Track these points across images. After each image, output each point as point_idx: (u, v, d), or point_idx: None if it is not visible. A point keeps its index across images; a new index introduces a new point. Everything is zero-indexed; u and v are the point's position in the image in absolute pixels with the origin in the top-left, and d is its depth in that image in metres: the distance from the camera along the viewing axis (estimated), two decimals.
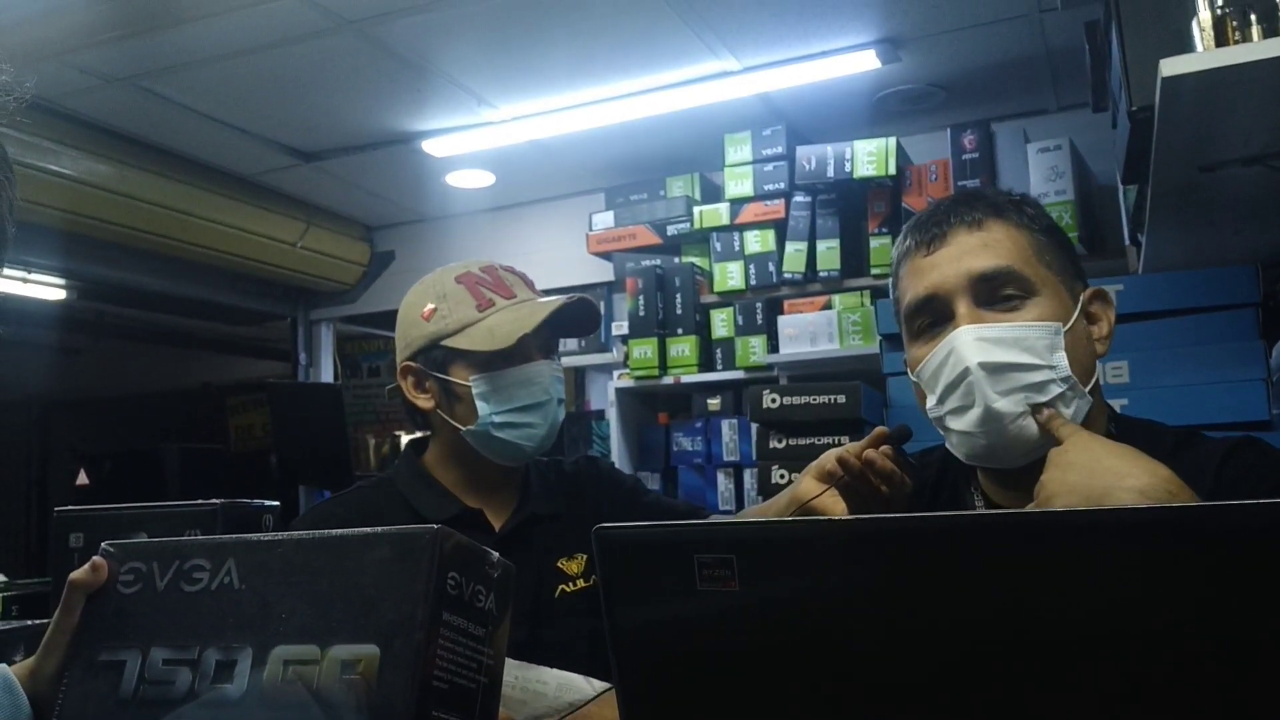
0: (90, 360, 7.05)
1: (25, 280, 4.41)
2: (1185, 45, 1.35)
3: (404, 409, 1.58)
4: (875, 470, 1.19)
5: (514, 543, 1.49)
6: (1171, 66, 1.28)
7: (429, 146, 3.80)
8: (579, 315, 1.55)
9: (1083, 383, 1.13)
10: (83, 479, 6.07)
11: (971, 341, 1.11)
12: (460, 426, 1.50)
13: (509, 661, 0.90)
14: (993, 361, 1.10)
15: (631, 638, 0.63)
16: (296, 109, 3.53)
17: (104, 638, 0.88)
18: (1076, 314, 1.15)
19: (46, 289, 4.76)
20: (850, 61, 3.19)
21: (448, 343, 1.49)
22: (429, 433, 1.61)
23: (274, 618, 0.83)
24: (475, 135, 3.71)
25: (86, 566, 0.90)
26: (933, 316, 1.17)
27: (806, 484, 1.22)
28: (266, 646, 0.81)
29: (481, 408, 1.48)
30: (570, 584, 1.53)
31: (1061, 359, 1.11)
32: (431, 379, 1.52)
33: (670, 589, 0.61)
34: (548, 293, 1.58)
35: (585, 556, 1.55)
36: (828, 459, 1.22)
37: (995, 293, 1.13)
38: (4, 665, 0.89)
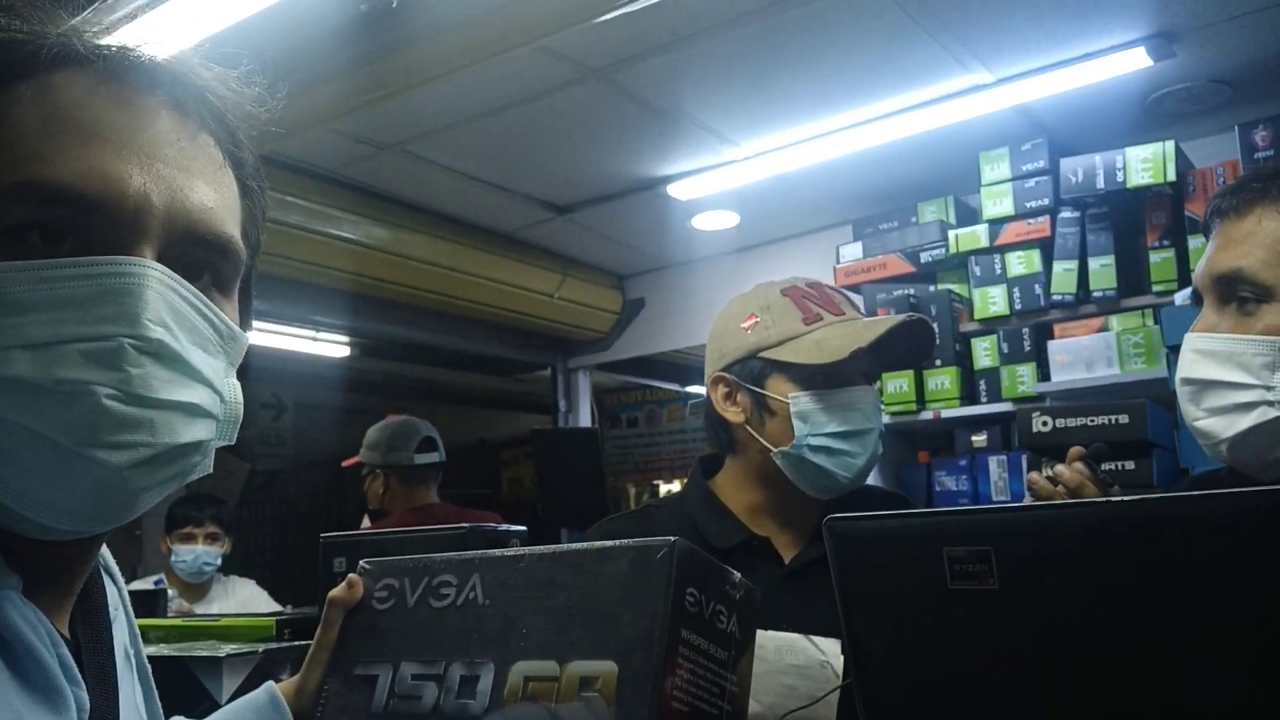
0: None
1: (314, 339, 4.85)
2: None
3: (706, 424, 1.50)
4: (1064, 485, 1.17)
5: (803, 579, 1.36)
6: None
7: (674, 190, 3.84)
8: (912, 340, 1.41)
9: None
10: (366, 523, 6.55)
11: (1188, 353, 1.04)
12: (771, 446, 1.39)
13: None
14: (1196, 378, 1.02)
15: (873, 646, 0.55)
16: (548, 163, 3.68)
17: (359, 653, 0.90)
18: None
19: (333, 346, 5.21)
20: (1117, 62, 2.93)
21: (768, 354, 1.39)
22: (727, 452, 1.50)
23: (515, 633, 0.81)
24: (719, 175, 3.72)
25: (343, 584, 0.93)
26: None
27: None
28: (508, 663, 0.80)
29: (799, 427, 1.36)
30: None
31: None
32: (745, 391, 1.42)
33: (918, 589, 0.52)
34: None
35: None
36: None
37: (1233, 295, 1.03)
38: (271, 682, 0.93)
